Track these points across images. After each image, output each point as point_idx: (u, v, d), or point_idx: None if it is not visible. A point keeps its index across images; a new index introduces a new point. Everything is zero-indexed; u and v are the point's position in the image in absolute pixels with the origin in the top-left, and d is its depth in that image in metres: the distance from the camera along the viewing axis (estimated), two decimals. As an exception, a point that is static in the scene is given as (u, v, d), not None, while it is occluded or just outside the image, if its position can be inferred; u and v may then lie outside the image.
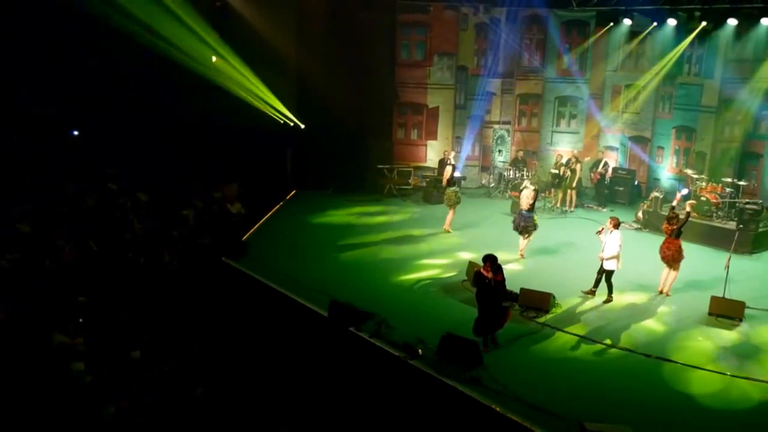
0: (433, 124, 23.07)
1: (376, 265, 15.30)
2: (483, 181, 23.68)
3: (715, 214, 18.01)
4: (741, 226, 13.79)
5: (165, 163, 18.97)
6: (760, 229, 17.20)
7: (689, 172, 19.67)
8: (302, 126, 22.20)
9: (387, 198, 21.47)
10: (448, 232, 17.89)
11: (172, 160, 19.15)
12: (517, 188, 21.62)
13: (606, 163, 21.61)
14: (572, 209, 20.55)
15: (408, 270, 15.06)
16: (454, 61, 22.55)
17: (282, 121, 21.94)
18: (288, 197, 21.10)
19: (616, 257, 13.29)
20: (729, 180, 18.58)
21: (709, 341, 11.95)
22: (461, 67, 22.67)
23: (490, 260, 11.15)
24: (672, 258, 13.68)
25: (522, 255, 15.96)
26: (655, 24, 21.08)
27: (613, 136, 23.67)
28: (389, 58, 22.17)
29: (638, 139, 22.99)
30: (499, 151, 24.02)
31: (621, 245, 13.29)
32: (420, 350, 11.02)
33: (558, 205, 20.77)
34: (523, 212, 15.82)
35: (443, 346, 10.92)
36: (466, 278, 14.41)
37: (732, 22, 19.26)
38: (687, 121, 21.57)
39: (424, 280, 14.52)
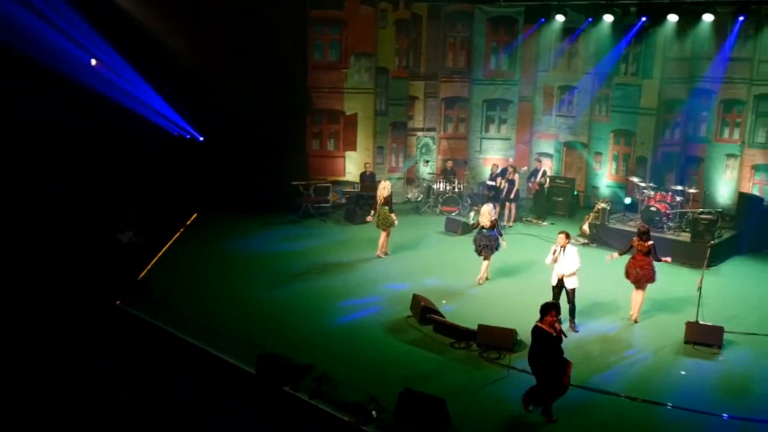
0: (352, 133, 21.88)
1: (305, 303, 13.92)
2: (409, 195, 22.72)
3: (665, 226, 17.72)
4: (712, 242, 13.33)
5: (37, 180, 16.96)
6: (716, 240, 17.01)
7: (635, 179, 19.39)
8: (201, 138, 20.51)
9: (304, 219, 20.08)
10: (385, 255, 16.73)
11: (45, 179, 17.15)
12: (449, 202, 20.96)
13: (545, 172, 21.10)
14: (512, 224, 19.86)
15: (342, 306, 13.78)
16: (373, 63, 21.46)
17: (177, 133, 20.19)
18: (189, 222, 19.32)
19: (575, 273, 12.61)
20: (679, 188, 18.37)
21: (693, 375, 11.30)
22: (381, 69, 21.62)
23: (556, 309, 9.70)
24: (645, 278, 13.04)
25: (482, 280, 15.11)
26: (590, 20, 20.79)
27: (546, 142, 23.33)
28: (301, 60, 20.80)
29: (574, 145, 22.70)
30: (426, 161, 23.15)
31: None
32: (374, 411, 9.75)
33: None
34: (484, 231, 14.89)
35: (402, 404, 9.69)
36: (410, 314, 13.29)
37: (672, 18, 19.16)
38: (626, 124, 21.43)
39: (362, 318, 13.27)
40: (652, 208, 17.90)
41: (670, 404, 10.30)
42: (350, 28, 21.07)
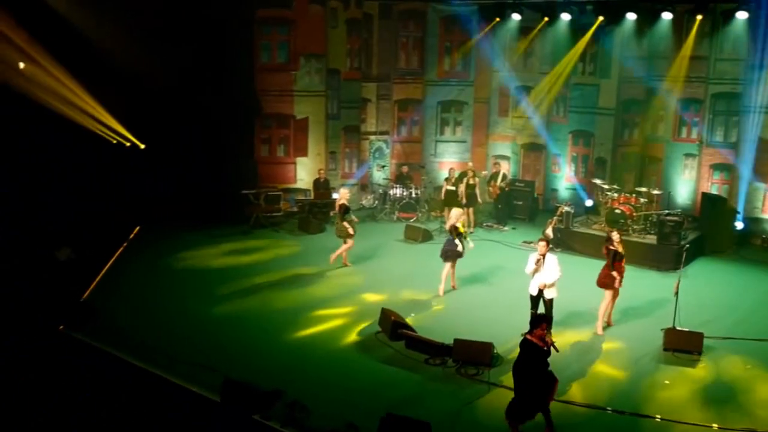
0: (303, 138, 21.36)
1: (265, 321, 13.37)
2: (363, 202, 22.31)
3: (631, 228, 17.77)
4: (687, 246, 13.34)
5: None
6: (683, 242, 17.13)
7: (598, 182, 19.43)
8: (142, 146, 19.68)
9: (256, 229, 19.45)
10: (347, 265, 16.34)
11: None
12: (406, 209, 20.68)
13: (504, 176, 20.98)
14: (472, 230, 19.64)
15: (307, 323, 13.30)
16: (323, 64, 21.01)
17: (115, 141, 19.31)
18: (132, 236, 18.47)
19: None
20: (644, 189, 18.46)
21: (677, 384, 11.21)
22: (332, 71, 21.18)
23: (547, 322, 9.56)
24: (620, 284, 12.95)
25: (442, 291, 14.80)
26: (546, 19, 20.77)
27: (503, 144, 23.27)
28: (247, 62, 20.16)
29: (532, 147, 22.69)
30: (383, 166, 22.81)
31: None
32: (354, 439, 9.30)
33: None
34: (450, 236, 14.63)
35: (384, 430, 9.25)
36: (380, 329, 12.88)
37: (631, 17, 19.29)
38: (584, 125, 21.52)
39: (329, 336, 12.79)
40: (617, 211, 17.93)
41: (659, 417, 10.16)
42: (299, 28, 20.58)
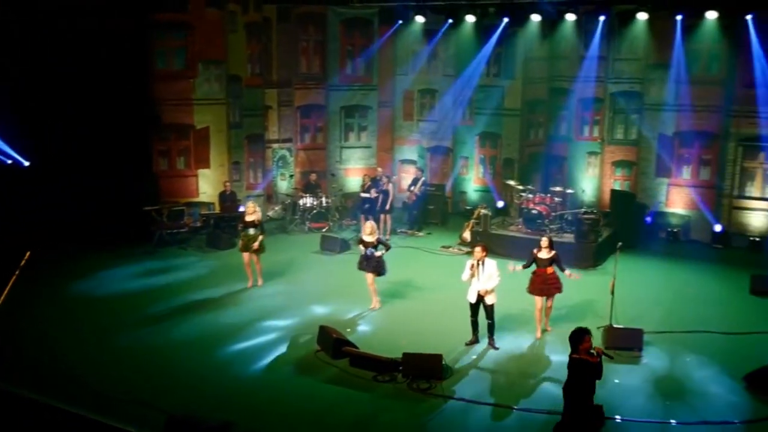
0: (204, 149, 20.40)
1: (193, 348, 12.51)
2: (270, 213, 21.59)
3: (548, 228, 18.09)
4: (620, 244, 13.61)
5: None
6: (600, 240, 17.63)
7: (512, 183, 19.69)
8: (25, 163, 18.19)
9: (161, 248, 18.38)
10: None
11: None
12: (317, 218, 20.23)
13: (425, 181, 20.88)
14: (388, 237, 19.41)
15: (237, 348, 12.56)
16: (223, 70, 20.15)
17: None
18: (23, 263, 16.92)
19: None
20: (558, 188, 18.85)
21: (627, 383, 11.37)
22: (233, 77, 20.38)
23: (589, 334, 8.90)
24: (556, 289, 13.03)
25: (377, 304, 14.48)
26: (450, 21, 20.88)
27: (410, 148, 23.23)
28: (142, 69, 19.03)
29: (438, 150, 22.77)
30: (287, 174, 22.21)
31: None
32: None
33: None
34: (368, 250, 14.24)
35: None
36: (318, 348, 12.38)
37: (535, 18, 19.68)
38: (491, 126, 21.82)
39: (266, 359, 12.15)
40: (534, 211, 18.21)
41: (619, 417, 10.24)
42: (196, 32, 19.61)
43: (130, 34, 18.58)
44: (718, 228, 19.00)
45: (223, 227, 19.00)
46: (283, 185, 22.25)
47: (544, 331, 13.19)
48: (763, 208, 18.90)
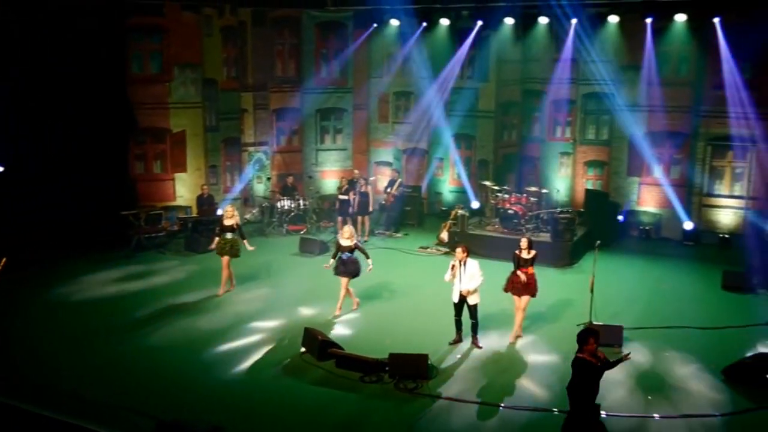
0: (181, 153, 20.22)
1: (178, 353, 12.37)
2: (247, 216, 21.46)
3: (524, 228, 18.21)
4: (599, 242, 13.75)
5: None
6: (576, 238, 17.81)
7: (488, 183, 19.79)
8: (0, 168, 17.84)
9: (139, 253, 18.16)
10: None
11: None
12: (295, 221, 20.17)
13: (401, 183, 20.86)
14: (366, 238, 19.40)
15: (223, 351, 12.47)
16: (199, 74, 20.00)
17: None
18: (0, 268, 16.62)
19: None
20: (533, 189, 18.99)
21: (609, 378, 11.34)
22: (209, 81, 20.23)
23: (596, 336, 8.72)
24: (534, 289, 13.07)
25: (356, 305, 14.48)
26: (424, 25, 20.92)
27: (385, 150, 23.25)
28: (118, 73, 18.78)
29: (414, 152, 22.81)
30: (264, 177, 22.07)
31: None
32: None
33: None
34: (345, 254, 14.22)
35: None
36: (303, 350, 12.33)
37: (509, 21, 19.81)
38: (465, 128, 21.89)
39: (253, 362, 12.06)
40: (510, 211, 18.32)
41: (604, 412, 10.32)
42: (172, 36, 19.44)
43: (106, 38, 18.35)
44: (688, 225, 19.28)
45: (201, 231, 18.80)
46: (260, 188, 22.11)
47: (517, 337, 13.02)
48: (732, 205, 19.24)
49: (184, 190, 20.31)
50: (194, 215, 19.56)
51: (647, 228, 19.89)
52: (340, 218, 19.67)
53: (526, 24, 20.01)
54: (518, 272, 12.81)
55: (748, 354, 11.83)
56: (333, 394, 11.01)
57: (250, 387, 11.23)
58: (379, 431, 10.03)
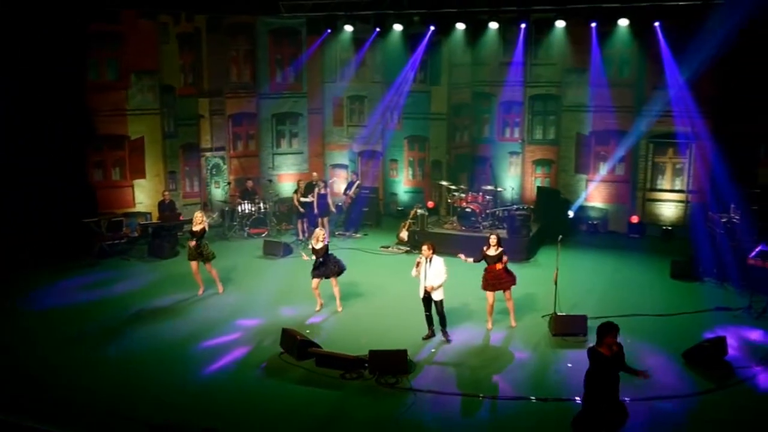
0: (139, 160, 19.92)
1: (154, 358, 12.19)
2: (207, 221, 21.09)
3: (481, 225, 18.53)
4: (561, 237, 14.11)
5: None
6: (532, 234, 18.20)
7: (444, 183, 20.05)
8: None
9: (102, 260, 17.79)
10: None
11: None
12: (257, 224, 20.06)
13: (359, 185, 20.95)
14: (328, 240, 19.35)
15: (200, 354, 12.36)
16: (156, 81, 19.72)
17: None
18: (-41, 281, 16.12)
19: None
20: (489, 187, 19.32)
21: (580, 366, 11.66)
22: (167, 87, 19.95)
23: (616, 330, 8.59)
24: (512, 283, 13.34)
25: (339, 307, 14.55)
26: (378, 30, 21.04)
27: (340, 153, 23.29)
28: (76, 80, 18.33)
29: (369, 154, 22.93)
30: (221, 182, 21.86)
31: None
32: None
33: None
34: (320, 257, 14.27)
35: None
36: (282, 350, 12.32)
37: (460, 26, 20.10)
38: (418, 130, 22.14)
39: (233, 364, 12.00)
40: (467, 210, 18.61)
41: (578, 398, 10.61)
42: (129, 43, 19.12)
43: (65, 45, 17.89)
44: (634, 219, 19.93)
45: (164, 236, 18.54)
46: (218, 193, 21.89)
47: (510, 327, 13.40)
48: (673, 199, 19.98)
49: (143, 196, 19.99)
50: (155, 221, 19.23)
51: (595, 222, 20.47)
52: (299, 221, 19.63)
53: (476, 29, 20.28)
54: (494, 267, 13.04)
55: (706, 337, 12.34)
56: (316, 392, 11.04)
57: (233, 388, 11.14)
58: (365, 425, 10.09)
